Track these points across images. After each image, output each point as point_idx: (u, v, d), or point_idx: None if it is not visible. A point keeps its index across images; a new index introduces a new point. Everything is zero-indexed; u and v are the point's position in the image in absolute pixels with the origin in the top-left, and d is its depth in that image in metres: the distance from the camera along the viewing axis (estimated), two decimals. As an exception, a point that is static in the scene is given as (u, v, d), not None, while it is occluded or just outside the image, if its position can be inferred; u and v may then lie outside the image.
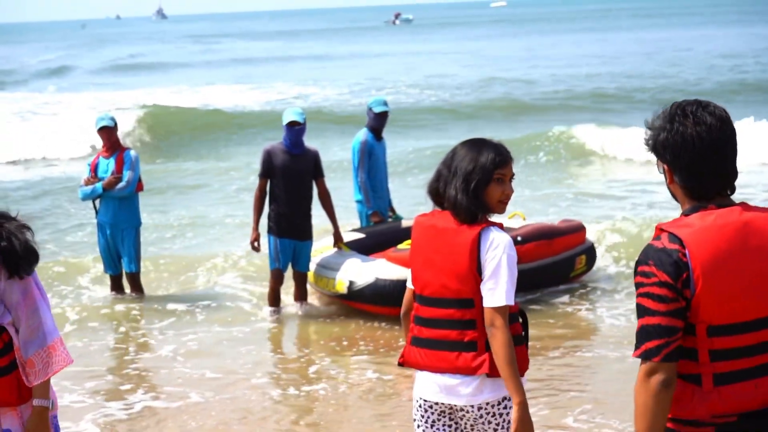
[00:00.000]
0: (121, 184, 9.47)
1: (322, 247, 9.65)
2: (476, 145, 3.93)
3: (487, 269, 3.78)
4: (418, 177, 17.15)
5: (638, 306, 3.07)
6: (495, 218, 4.02)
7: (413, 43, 68.29)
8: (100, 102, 31.26)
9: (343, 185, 13.21)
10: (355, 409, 7.15)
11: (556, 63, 41.18)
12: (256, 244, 9.23)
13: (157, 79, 41.07)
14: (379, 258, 9.51)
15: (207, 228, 13.63)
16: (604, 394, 7.18)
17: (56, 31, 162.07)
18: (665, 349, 3.02)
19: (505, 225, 7.95)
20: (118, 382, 7.91)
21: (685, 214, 3.14)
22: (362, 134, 9.85)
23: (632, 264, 10.47)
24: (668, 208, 13.46)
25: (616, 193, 15.34)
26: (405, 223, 10.18)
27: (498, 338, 3.73)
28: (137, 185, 9.61)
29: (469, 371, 3.81)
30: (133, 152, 9.66)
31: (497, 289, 3.76)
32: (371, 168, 9.86)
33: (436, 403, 3.91)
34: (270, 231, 9.16)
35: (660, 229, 3.11)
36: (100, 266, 10.22)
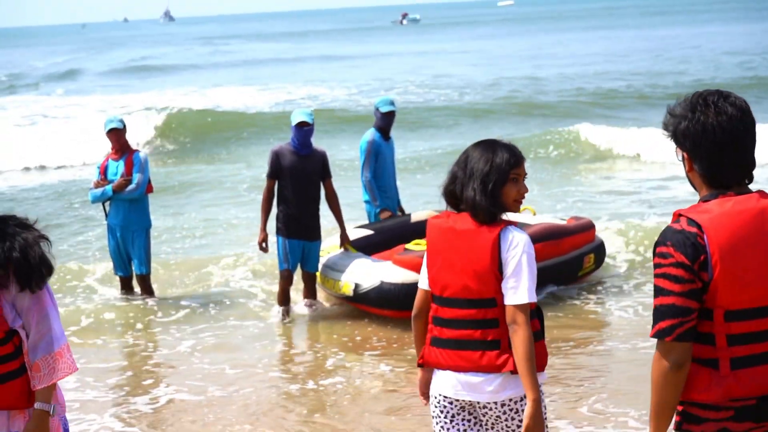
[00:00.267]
0: (131, 187, 9.48)
1: (328, 247, 9.66)
2: (490, 146, 3.99)
3: (508, 268, 3.85)
4: (427, 174, 17.32)
5: (655, 287, 3.15)
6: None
7: (421, 42, 68.30)
8: (110, 105, 31.36)
9: (352, 185, 13.32)
10: (370, 402, 7.30)
11: (564, 61, 41.19)
12: (264, 244, 9.22)
13: (167, 82, 41.11)
14: (388, 255, 9.60)
15: (219, 228, 13.74)
16: (617, 384, 7.32)
17: (63, 35, 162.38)
18: (678, 328, 3.09)
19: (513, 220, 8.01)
20: (139, 378, 8.08)
21: (704, 200, 3.19)
22: (369, 134, 9.87)
23: (640, 258, 10.59)
24: (677, 205, 13.56)
25: (625, 190, 15.40)
26: (414, 218, 10.20)
27: (519, 335, 3.80)
28: (147, 187, 9.62)
29: (493, 369, 3.87)
30: (142, 154, 9.68)
31: (519, 287, 3.83)
32: (379, 168, 9.87)
33: (457, 400, 3.98)
34: (279, 232, 9.16)
35: (678, 214, 3.17)
36: (110, 266, 10.21)
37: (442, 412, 4.03)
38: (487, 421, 3.97)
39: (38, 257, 3.84)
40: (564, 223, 10.06)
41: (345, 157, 18.22)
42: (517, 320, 3.82)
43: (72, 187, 17.32)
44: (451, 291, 3.94)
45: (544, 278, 9.51)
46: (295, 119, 8.96)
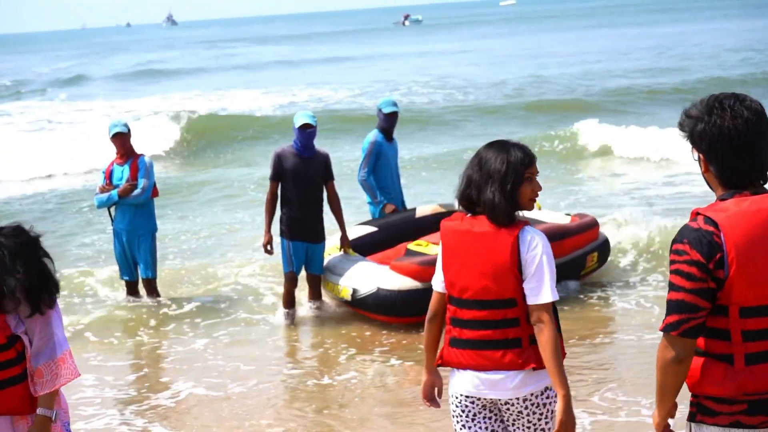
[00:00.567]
0: (136, 191, 9.48)
1: (329, 249, 9.62)
2: (502, 146, 4.03)
3: (530, 268, 3.91)
4: (434, 173, 17.46)
5: (669, 282, 3.26)
6: None
7: (423, 43, 68.25)
8: (118, 110, 31.50)
9: (358, 187, 13.43)
10: (384, 395, 7.50)
11: (567, 60, 41.19)
12: (269, 246, 9.20)
13: (174, 86, 41.13)
14: (390, 255, 9.65)
15: (225, 230, 13.84)
16: (626, 374, 7.49)
17: (65, 40, 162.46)
18: (685, 324, 3.21)
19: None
20: (156, 375, 8.28)
21: (721, 199, 3.29)
22: (372, 135, 9.85)
23: (643, 255, 10.66)
24: (679, 202, 13.71)
25: (629, 189, 15.47)
26: (419, 213, 10.21)
27: (546, 333, 3.89)
28: (152, 191, 9.62)
29: (516, 367, 3.95)
30: (147, 158, 9.66)
31: (542, 287, 3.91)
32: (382, 169, 9.85)
33: (479, 399, 4.05)
34: (282, 234, 9.16)
35: (696, 213, 3.27)
36: (116, 270, 10.20)
37: (463, 411, 4.09)
38: (509, 417, 4.04)
39: (45, 282, 3.87)
40: (567, 221, 10.01)
41: (351, 158, 18.35)
42: (542, 319, 3.90)
43: (79, 191, 17.39)
44: (471, 293, 4.00)
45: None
46: (298, 121, 8.97)
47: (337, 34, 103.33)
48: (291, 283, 9.25)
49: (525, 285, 3.93)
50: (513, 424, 4.05)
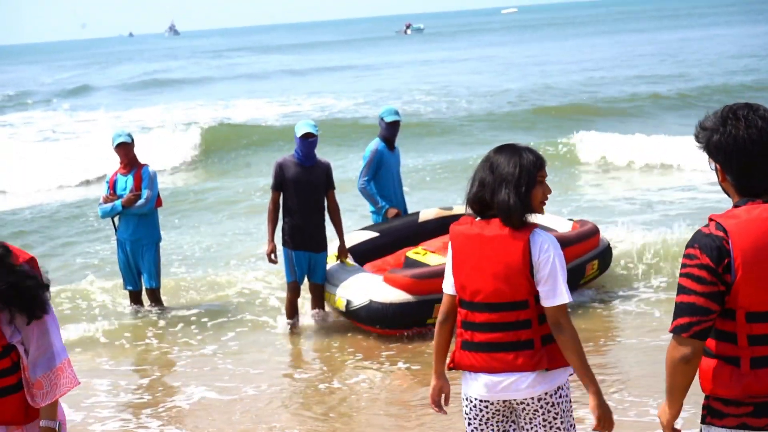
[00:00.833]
0: (140, 202, 9.49)
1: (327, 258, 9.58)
2: (514, 150, 4.07)
3: (543, 271, 3.96)
4: (438, 180, 17.54)
5: (678, 285, 3.36)
6: None
7: (426, 52, 68.31)
8: (122, 120, 31.58)
9: (358, 196, 13.46)
10: (392, 399, 7.64)
11: (570, 68, 41.20)
12: (273, 256, 9.17)
13: (178, 96, 41.20)
14: (389, 263, 9.68)
15: (229, 240, 13.91)
16: (631, 376, 7.61)
17: (67, 51, 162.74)
18: (695, 326, 3.30)
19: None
20: (169, 379, 8.42)
21: (735, 206, 3.39)
22: (374, 144, 9.86)
23: (643, 259, 10.70)
24: (678, 207, 13.79)
25: (630, 196, 15.53)
26: (422, 217, 10.22)
27: (567, 335, 3.97)
28: (156, 201, 9.64)
29: (528, 368, 3.99)
30: (151, 168, 9.67)
31: (557, 289, 3.97)
32: (383, 177, 9.86)
33: (491, 403, 4.09)
34: (285, 244, 9.15)
35: (710, 219, 3.38)
36: (120, 280, 10.21)
37: (476, 416, 4.13)
38: (525, 417, 4.08)
39: (34, 288, 3.78)
40: (569, 226, 9.97)
41: (356, 167, 18.38)
42: (560, 320, 3.98)
43: (84, 201, 17.44)
44: (483, 295, 4.03)
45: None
46: (300, 131, 8.98)
47: (339, 43, 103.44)
48: (294, 292, 9.27)
49: (540, 288, 3.98)
50: (529, 424, 4.08)
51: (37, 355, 3.78)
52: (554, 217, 10.52)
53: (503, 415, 4.12)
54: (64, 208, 17.22)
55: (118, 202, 9.50)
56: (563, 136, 20.81)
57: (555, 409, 4.06)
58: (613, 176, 17.83)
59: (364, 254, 9.94)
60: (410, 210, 10.62)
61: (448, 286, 4.19)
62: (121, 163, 9.65)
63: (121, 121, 31.46)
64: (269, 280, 10.93)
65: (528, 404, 4.05)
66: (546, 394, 4.03)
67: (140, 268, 9.76)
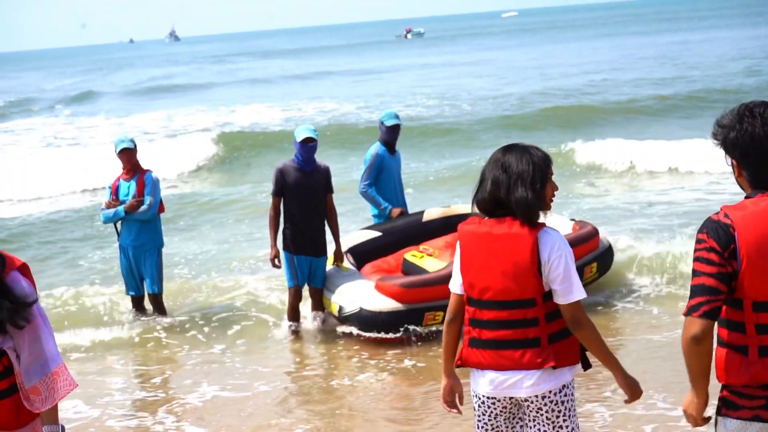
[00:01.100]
0: (143, 208, 9.49)
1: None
2: (522, 148, 4.12)
3: (557, 270, 4.00)
4: (439, 183, 17.64)
5: (692, 270, 3.50)
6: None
7: (427, 56, 68.38)
8: (126, 127, 31.72)
9: (360, 200, 13.49)
10: (398, 397, 7.79)
11: (572, 71, 41.27)
12: (276, 261, 9.20)
13: (182, 101, 41.15)
14: (389, 264, 9.73)
15: (232, 245, 13.97)
16: (636, 371, 7.63)
17: (70, 57, 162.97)
18: (705, 306, 3.40)
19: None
20: (181, 377, 8.59)
21: (746, 197, 3.53)
22: (374, 147, 9.85)
23: (643, 260, 10.74)
24: (685, 216, 13.88)
25: (633, 200, 15.57)
26: (426, 217, 10.22)
27: (587, 328, 4.04)
28: (159, 207, 9.64)
29: (534, 366, 4.03)
30: (153, 174, 9.67)
31: (572, 285, 4.02)
32: (384, 181, 9.86)
33: (498, 400, 4.14)
34: (286, 248, 9.15)
35: (722, 208, 3.52)
36: (122, 286, 10.21)
37: (485, 413, 4.20)
38: (529, 414, 4.13)
39: (12, 299, 3.70)
40: (569, 228, 9.86)
41: (360, 170, 18.44)
42: (577, 316, 4.04)
43: (89, 208, 17.45)
44: (491, 293, 4.07)
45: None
46: (300, 135, 8.98)
47: (339, 48, 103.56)
48: (296, 297, 9.31)
49: (555, 287, 4.03)
50: (533, 421, 4.13)
51: (29, 361, 3.75)
52: (556, 217, 10.51)
53: (510, 412, 4.18)
54: (67, 213, 17.25)
55: (120, 208, 9.52)
56: (564, 139, 20.80)
57: (559, 407, 4.11)
58: (613, 180, 17.85)
59: (365, 254, 9.96)
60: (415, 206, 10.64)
61: (456, 286, 4.24)
62: (124, 169, 9.66)
63: (124, 127, 31.61)
64: (272, 283, 11.00)
65: (532, 401, 4.10)
66: (550, 392, 4.08)
67: (142, 273, 9.77)
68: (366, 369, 8.43)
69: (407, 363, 8.44)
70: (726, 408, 3.56)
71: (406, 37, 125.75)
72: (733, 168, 3.58)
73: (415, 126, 25.26)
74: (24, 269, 3.79)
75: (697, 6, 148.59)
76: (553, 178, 4.18)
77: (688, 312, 3.45)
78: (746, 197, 3.53)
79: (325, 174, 9.17)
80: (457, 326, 4.26)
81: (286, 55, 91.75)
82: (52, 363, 3.76)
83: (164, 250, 10.05)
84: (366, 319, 8.85)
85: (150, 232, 9.68)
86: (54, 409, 3.77)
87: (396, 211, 9.96)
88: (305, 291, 9.47)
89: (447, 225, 10.13)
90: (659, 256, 10.70)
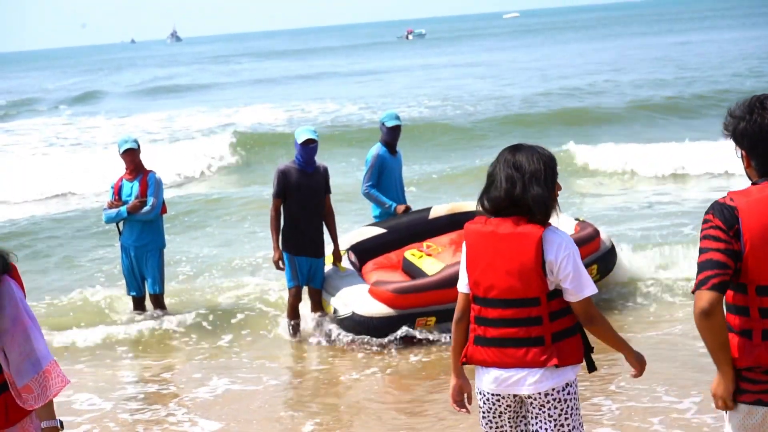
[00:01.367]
0: (146, 209, 9.49)
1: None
2: (529, 148, 4.18)
3: (567, 269, 4.05)
4: (442, 184, 17.71)
5: (699, 249, 3.61)
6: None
7: (428, 57, 68.42)
8: (129, 127, 31.78)
9: (362, 200, 13.52)
10: (411, 385, 7.93)
11: (573, 72, 41.28)
12: (280, 263, 9.16)
13: (185, 102, 41.20)
14: (393, 257, 9.77)
15: (234, 244, 14.04)
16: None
17: (72, 57, 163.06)
18: (713, 279, 3.49)
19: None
20: (190, 371, 8.74)
21: (753, 183, 3.66)
22: (375, 148, 9.86)
23: (642, 260, 10.81)
24: (685, 216, 13.97)
25: (635, 200, 15.65)
26: (433, 214, 10.20)
27: (600, 322, 4.15)
28: (161, 208, 9.64)
29: (538, 365, 4.08)
30: (156, 175, 9.67)
31: (582, 283, 4.08)
32: (385, 182, 9.88)
33: (503, 397, 4.19)
34: (287, 249, 9.15)
35: (729, 193, 3.65)
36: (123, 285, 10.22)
37: (490, 410, 4.24)
38: (532, 411, 4.17)
39: None
40: (571, 227, 9.71)
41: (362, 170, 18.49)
42: (590, 312, 4.12)
43: (93, 209, 17.33)
44: (496, 292, 4.12)
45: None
46: (301, 137, 8.98)
47: (341, 49, 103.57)
48: (296, 298, 9.31)
49: (566, 286, 4.07)
50: (535, 419, 4.17)
51: (20, 360, 3.77)
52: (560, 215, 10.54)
53: (514, 410, 4.22)
54: (70, 214, 17.30)
55: (123, 208, 9.51)
56: (565, 140, 20.78)
57: (562, 405, 4.14)
58: (614, 180, 17.89)
59: (370, 250, 9.99)
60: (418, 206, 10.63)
61: (463, 285, 4.29)
62: (127, 169, 9.66)
63: (126, 127, 31.67)
64: (273, 284, 11.04)
65: (536, 399, 4.14)
66: (554, 390, 4.12)
67: (144, 273, 9.76)
68: (372, 364, 8.54)
69: (413, 359, 8.55)
70: (736, 394, 3.68)
71: (407, 38, 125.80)
72: (742, 159, 3.71)
73: (416, 126, 25.32)
74: (11, 272, 3.85)
75: (698, 6, 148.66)
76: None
77: (698, 286, 3.53)
78: (753, 183, 3.66)
79: (324, 174, 9.21)
80: (465, 326, 4.30)
81: (287, 56, 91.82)
82: (43, 361, 3.79)
83: (170, 249, 10.07)
84: (357, 324, 8.90)
85: (152, 233, 9.68)
86: (50, 405, 3.81)
87: (401, 208, 9.98)
88: (304, 292, 9.49)
89: (454, 222, 10.10)
90: (660, 255, 10.81)
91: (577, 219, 10.11)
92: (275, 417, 7.42)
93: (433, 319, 8.75)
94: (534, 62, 50.99)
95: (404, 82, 44.05)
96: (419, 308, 8.80)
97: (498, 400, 4.19)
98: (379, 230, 10.05)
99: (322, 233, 9.27)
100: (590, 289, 4.10)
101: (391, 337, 8.83)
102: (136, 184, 9.56)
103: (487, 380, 4.20)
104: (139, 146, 9.67)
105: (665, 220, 13.38)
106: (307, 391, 8.05)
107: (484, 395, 4.23)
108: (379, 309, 8.80)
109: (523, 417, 4.23)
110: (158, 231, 9.74)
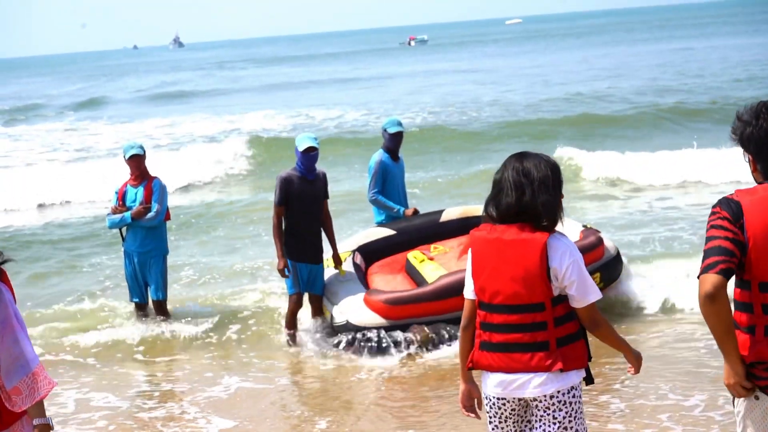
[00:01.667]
0: (150, 215, 9.49)
1: (324, 262, 9.56)
2: (534, 156, 4.23)
3: (572, 276, 4.11)
4: (444, 190, 17.81)
5: (706, 238, 3.70)
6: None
7: (431, 63, 68.43)
8: (134, 133, 31.83)
9: (366, 207, 13.49)
10: (417, 384, 8.08)
11: (575, 78, 41.32)
12: (286, 271, 9.10)
13: (190, 108, 41.21)
14: (399, 258, 9.80)
15: (238, 249, 14.12)
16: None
17: (74, 63, 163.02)
18: (720, 264, 3.56)
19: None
20: (201, 370, 8.90)
21: (760, 183, 3.77)
22: (378, 155, 9.88)
23: (641, 262, 10.91)
24: (685, 221, 14.05)
25: (637, 207, 15.73)
26: (445, 217, 10.22)
27: (605, 327, 4.22)
28: (165, 214, 9.64)
29: (543, 369, 4.12)
30: (161, 181, 9.68)
31: (587, 289, 4.15)
32: (388, 188, 9.91)
33: (508, 401, 4.23)
34: (289, 256, 9.14)
35: (735, 191, 3.77)
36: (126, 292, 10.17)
37: (496, 414, 4.28)
38: (536, 414, 4.21)
39: None
40: (577, 234, 9.61)
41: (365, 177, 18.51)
42: (594, 317, 4.20)
43: (98, 217, 17.32)
44: (502, 297, 4.16)
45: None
46: (302, 145, 8.98)
47: (344, 55, 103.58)
48: (297, 304, 9.30)
49: (571, 293, 4.14)
50: (539, 421, 4.20)
51: (9, 362, 3.82)
52: (566, 221, 10.49)
53: (518, 415, 4.27)
54: (73, 220, 17.35)
55: (127, 214, 9.51)
56: (567, 147, 20.76)
57: (567, 407, 4.17)
58: (616, 187, 17.91)
59: (378, 252, 10.01)
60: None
61: (469, 292, 4.33)
62: (132, 175, 9.66)
63: (130, 133, 31.72)
64: (276, 290, 11.08)
65: (540, 401, 4.18)
66: (558, 392, 4.15)
67: (147, 279, 9.75)
68: (379, 364, 8.62)
69: (419, 361, 8.65)
70: None
71: (409, 44, 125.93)
72: (749, 163, 3.81)
73: (421, 131, 25.42)
74: (1, 273, 3.92)
75: (700, 13, 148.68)
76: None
77: (703, 271, 3.59)
78: (759, 183, 3.77)
79: (324, 181, 9.26)
80: (472, 332, 4.35)
81: (290, 62, 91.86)
82: (32, 363, 3.86)
83: (174, 254, 10.04)
84: (352, 332, 8.90)
85: (156, 239, 9.69)
86: (40, 404, 3.86)
87: (409, 211, 10.03)
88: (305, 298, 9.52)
89: (465, 226, 10.00)
90: (661, 257, 10.92)
91: (584, 225, 9.98)
92: (288, 415, 7.59)
93: (426, 329, 8.78)
94: (536, 68, 51.03)
95: (407, 88, 44.17)
96: (412, 319, 8.84)
97: (503, 404, 4.25)
98: (389, 232, 10.07)
99: (321, 239, 9.31)
100: (595, 295, 4.18)
101: (336, 343, 8.91)
102: (140, 190, 9.59)
103: (492, 384, 4.25)
104: (144, 152, 9.71)
105: (664, 224, 13.50)
106: (316, 390, 8.20)
107: (490, 400, 4.28)
108: (372, 319, 8.83)
109: (528, 421, 4.28)
110: (162, 237, 9.75)
